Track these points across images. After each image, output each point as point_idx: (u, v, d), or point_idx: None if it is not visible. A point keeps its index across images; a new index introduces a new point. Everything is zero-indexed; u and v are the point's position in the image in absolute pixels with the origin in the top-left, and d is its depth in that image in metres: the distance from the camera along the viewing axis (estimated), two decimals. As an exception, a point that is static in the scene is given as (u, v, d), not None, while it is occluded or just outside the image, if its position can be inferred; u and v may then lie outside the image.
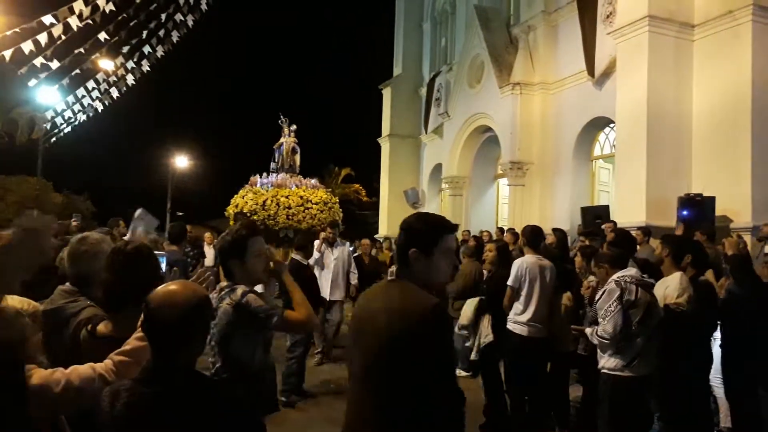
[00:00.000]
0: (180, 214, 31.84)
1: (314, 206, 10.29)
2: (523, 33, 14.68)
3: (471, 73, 16.26)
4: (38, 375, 1.95)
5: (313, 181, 11.31)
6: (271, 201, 9.94)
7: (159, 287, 1.84)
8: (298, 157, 11.56)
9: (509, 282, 5.29)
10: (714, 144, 9.80)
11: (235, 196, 10.44)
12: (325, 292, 7.83)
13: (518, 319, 5.19)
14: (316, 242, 8.13)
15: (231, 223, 9.73)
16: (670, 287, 4.41)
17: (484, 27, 15.61)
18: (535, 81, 14.14)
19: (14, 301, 2.09)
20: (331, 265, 8.05)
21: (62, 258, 3.87)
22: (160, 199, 31.20)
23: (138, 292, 2.00)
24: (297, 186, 10.66)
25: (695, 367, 4.68)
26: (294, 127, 11.49)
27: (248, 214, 9.10)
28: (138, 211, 4.05)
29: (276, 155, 11.59)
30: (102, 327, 2.41)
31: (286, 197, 10.11)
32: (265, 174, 11.18)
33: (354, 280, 8.47)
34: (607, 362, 3.97)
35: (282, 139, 11.61)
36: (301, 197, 10.24)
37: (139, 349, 2.07)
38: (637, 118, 10.12)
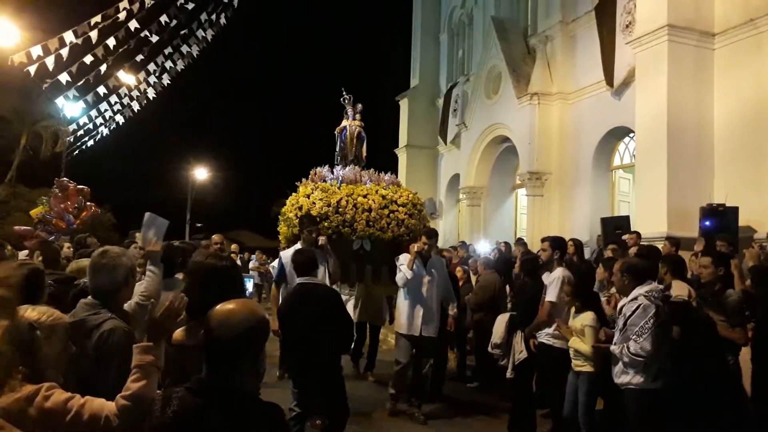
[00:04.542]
0: (199, 225, 32.18)
1: (401, 209, 7.69)
2: (540, 43, 14.66)
3: (488, 84, 16.26)
4: (54, 399, 1.96)
5: (388, 176, 8.54)
6: (347, 202, 7.48)
7: (220, 304, 1.89)
8: (364, 148, 8.80)
9: (553, 298, 5.23)
10: (736, 153, 9.66)
11: (294, 194, 7.91)
12: (416, 324, 6.13)
13: (556, 332, 5.15)
14: (404, 258, 6.26)
15: (282, 228, 7.82)
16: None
17: (502, 38, 15.62)
18: (553, 91, 14.09)
19: (32, 312, 2.11)
20: (424, 289, 6.19)
21: (73, 270, 3.94)
22: (180, 211, 31.57)
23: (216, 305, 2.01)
24: (372, 182, 8.12)
25: (725, 378, 4.60)
26: (360, 107, 8.79)
27: (318, 219, 6.86)
28: (146, 217, 3.63)
29: (338, 143, 8.85)
30: (177, 334, 2.49)
31: (365, 197, 7.60)
32: (326, 167, 8.58)
33: (453, 309, 6.65)
34: (633, 378, 3.94)
35: (344, 123, 8.80)
36: (384, 197, 7.70)
37: (139, 393, 2.05)
38: (657, 128, 10.01)
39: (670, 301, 4.26)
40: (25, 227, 11.85)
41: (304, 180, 8.24)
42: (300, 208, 7.47)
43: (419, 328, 6.08)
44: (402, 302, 6.25)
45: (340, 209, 7.42)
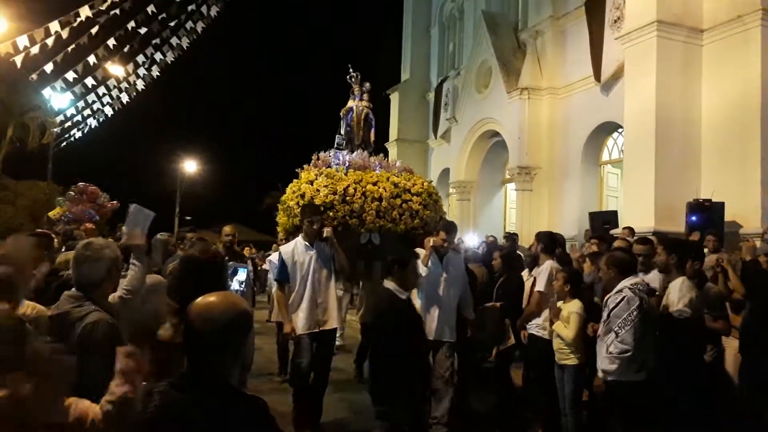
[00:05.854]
0: (188, 218, 32.04)
1: (414, 198, 6.80)
2: (530, 38, 14.68)
3: (479, 78, 16.26)
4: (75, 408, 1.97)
5: (399, 162, 7.75)
6: (355, 190, 6.64)
7: (200, 297, 1.86)
8: (372, 132, 7.94)
9: (542, 288, 5.25)
10: (723, 149, 9.74)
11: (296, 180, 7.08)
12: (431, 327, 5.29)
13: (547, 324, 5.17)
14: (420, 254, 5.53)
15: (282, 218, 7.10)
16: (671, 295, 4.36)
17: (492, 32, 15.63)
18: (542, 86, 14.12)
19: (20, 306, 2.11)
20: (440, 289, 5.46)
21: (61, 263, 3.92)
22: (169, 204, 31.40)
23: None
24: (382, 168, 7.21)
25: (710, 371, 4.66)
26: (368, 86, 7.88)
27: (322, 209, 6.22)
28: (131, 208, 3.35)
29: (343, 126, 7.95)
30: (162, 332, 2.47)
31: (374, 184, 6.74)
32: (332, 150, 7.63)
33: (470, 314, 5.75)
34: (617, 371, 3.96)
35: (350, 103, 7.86)
36: (396, 185, 6.82)
37: (123, 399, 2.02)
38: (645, 123, 10.07)
39: (671, 314, 4.18)
40: (43, 231, 12.25)
41: (306, 165, 7.31)
42: (302, 196, 6.61)
43: (434, 332, 5.29)
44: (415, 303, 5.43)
45: (348, 198, 6.51)
